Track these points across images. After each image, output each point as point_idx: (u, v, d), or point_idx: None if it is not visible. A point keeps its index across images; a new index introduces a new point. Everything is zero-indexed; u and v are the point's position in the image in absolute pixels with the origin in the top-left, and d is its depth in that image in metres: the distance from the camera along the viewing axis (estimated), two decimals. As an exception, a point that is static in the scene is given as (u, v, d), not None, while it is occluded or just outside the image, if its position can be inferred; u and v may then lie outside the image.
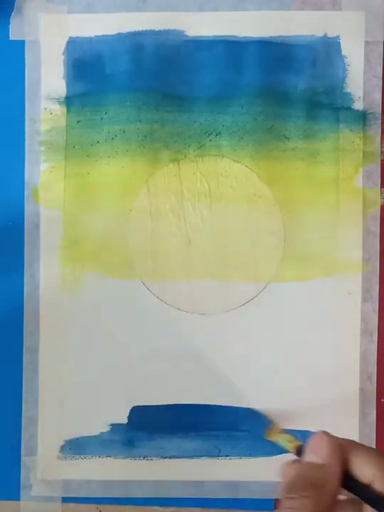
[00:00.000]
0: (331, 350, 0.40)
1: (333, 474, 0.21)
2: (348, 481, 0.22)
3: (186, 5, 0.40)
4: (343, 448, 0.22)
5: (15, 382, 0.41)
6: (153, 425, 0.40)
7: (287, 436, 0.32)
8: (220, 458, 0.40)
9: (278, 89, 0.40)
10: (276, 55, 0.40)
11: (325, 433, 0.23)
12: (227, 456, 0.40)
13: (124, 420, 0.40)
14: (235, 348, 0.40)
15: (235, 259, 0.40)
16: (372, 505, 0.22)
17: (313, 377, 0.40)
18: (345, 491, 0.24)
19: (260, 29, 0.40)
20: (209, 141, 0.41)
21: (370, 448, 0.23)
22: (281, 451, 0.40)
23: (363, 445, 0.23)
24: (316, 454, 0.22)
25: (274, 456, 0.40)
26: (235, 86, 0.40)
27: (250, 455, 0.40)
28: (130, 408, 0.40)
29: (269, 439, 0.34)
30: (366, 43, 0.40)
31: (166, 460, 0.40)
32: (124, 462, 0.40)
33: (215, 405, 0.40)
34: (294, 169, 0.40)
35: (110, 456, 0.40)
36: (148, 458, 0.40)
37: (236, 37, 0.40)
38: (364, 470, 0.22)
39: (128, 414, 0.40)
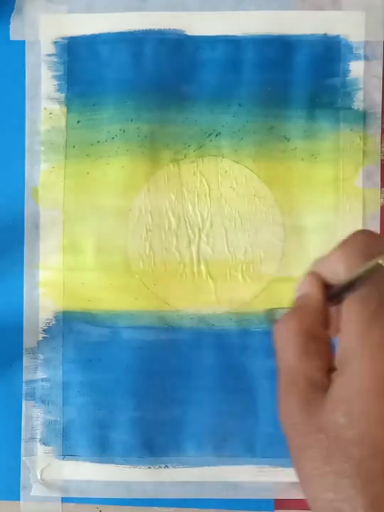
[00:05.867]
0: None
1: (312, 297, 0.24)
2: (331, 296, 0.23)
3: (186, 5, 0.40)
4: (321, 274, 0.24)
5: (15, 383, 0.41)
6: (153, 429, 0.40)
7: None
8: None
9: (278, 89, 0.40)
10: (277, 55, 0.40)
11: (308, 271, 0.25)
12: (226, 456, 0.40)
13: (123, 423, 0.40)
14: (235, 348, 0.40)
15: (235, 259, 0.40)
16: (343, 293, 0.22)
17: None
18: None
19: (260, 29, 0.40)
20: (209, 141, 0.40)
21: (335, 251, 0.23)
22: (281, 450, 0.40)
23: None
24: (300, 290, 0.24)
25: (273, 457, 0.40)
26: (235, 86, 0.40)
27: (250, 456, 0.40)
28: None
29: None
30: (366, 43, 0.40)
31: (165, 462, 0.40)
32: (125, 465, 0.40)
33: (214, 406, 0.40)
34: (294, 169, 0.40)
35: (111, 464, 0.40)
36: (148, 466, 0.40)
37: (236, 37, 0.40)
38: (333, 274, 0.23)
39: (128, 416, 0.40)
